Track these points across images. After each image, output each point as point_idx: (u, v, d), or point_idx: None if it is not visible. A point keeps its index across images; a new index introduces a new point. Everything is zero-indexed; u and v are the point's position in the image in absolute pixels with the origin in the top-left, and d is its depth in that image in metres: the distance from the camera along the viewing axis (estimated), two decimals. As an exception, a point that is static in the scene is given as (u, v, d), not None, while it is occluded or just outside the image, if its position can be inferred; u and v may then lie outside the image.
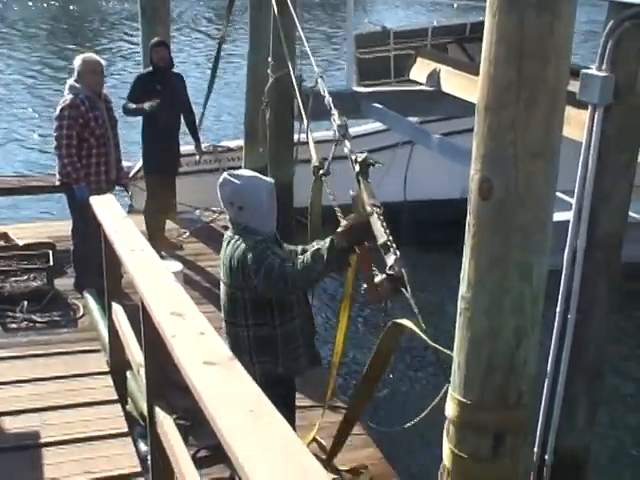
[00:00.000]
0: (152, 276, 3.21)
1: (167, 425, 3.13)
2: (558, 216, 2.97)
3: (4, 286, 6.31)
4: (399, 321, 3.63)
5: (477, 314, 2.85)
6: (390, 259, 3.56)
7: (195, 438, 4.33)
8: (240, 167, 7.85)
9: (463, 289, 2.89)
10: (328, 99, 5.31)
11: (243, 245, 3.55)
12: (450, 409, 3.02)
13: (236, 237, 3.61)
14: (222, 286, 3.72)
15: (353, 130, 5.93)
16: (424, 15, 25.58)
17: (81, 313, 6.09)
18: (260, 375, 3.54)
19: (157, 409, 3.23)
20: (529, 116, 2.62)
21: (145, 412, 3.42)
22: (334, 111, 5.06)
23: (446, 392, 3.09)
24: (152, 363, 3.26)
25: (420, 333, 3.52)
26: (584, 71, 3.36)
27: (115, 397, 4.66)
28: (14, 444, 4.18)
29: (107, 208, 4.47)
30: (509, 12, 2.55)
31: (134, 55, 18.21)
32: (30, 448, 4.14)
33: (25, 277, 6.49)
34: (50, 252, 6.73)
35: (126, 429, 4.33)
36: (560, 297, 3.58)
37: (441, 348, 3.34)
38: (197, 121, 8.00)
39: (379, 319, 3.94)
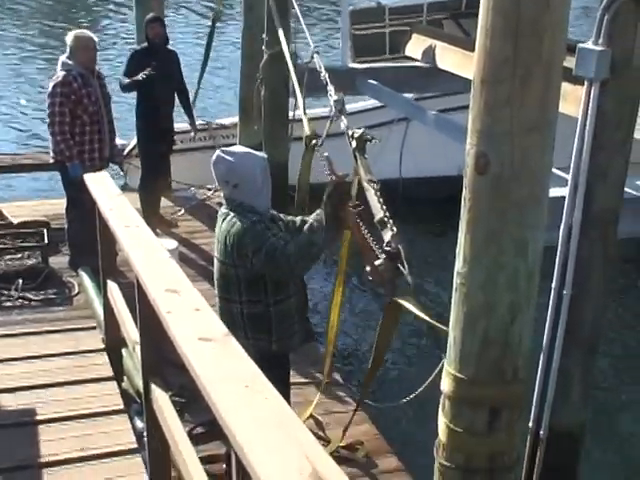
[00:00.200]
0: (147, 252, 3.20)
1: (163, 402, 3.13)
2: (554, 192, 2.96)
3: (-2, 264, 6.30)
4: (398, 300, 3.63)
5: (473, 289, 2.85)
6: (387, 235, 3.56)
7: (191, 415, 4.35)
8: (235, 144, 7.81)
9: (459, 264, 2.89)
10: (324, 74, 5.27)
11: (239, 224, 3.53)
12: (446, 384, 3.03)
13: (232, 214, 3.60)
14: (215, 262, 3.71)
15: (348, 107, 5.90)
16: (419, -9, 25.33)
17: (76, 291, 6.08)
18: (255, 352, 3.54)
19: (153, 386, 3.23)
20: (525, 92, 2.61)
21: (141, 389, 3.42)
22: (330, 86, 5.02)
23: (442, 367, 3.10)
24: (147, 340, 3.25)
25: (416, 311, 3.52)
26: (580, 45, 3.34)
27: (111, 374, 4.66)
28: (14, 421, 4.18)
29: (101, 185, 4.44)
30: (506, -15, 2.53)
31: (127, 32, 18.04)
32: (28, 425, 4.14)
33: (20, 255, 6.47)
34: (45, 230, 6.70)
35: (122, 406, 4.34)
36: (555, 273, 3.59)
37: (437, 324, 3.35)
38: (191, 98, 7.95)
39: (381, 302, 3.94)
